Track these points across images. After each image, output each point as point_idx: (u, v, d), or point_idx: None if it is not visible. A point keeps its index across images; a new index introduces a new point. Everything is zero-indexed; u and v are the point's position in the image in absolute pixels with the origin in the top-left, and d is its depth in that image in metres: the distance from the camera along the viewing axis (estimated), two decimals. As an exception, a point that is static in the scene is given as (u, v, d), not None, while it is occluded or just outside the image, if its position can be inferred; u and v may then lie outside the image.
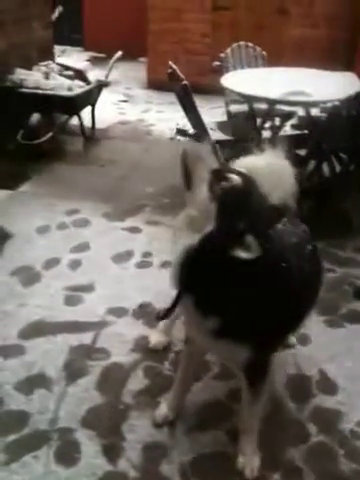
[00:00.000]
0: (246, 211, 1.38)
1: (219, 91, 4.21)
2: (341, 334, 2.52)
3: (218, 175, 1.41)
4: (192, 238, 1.41)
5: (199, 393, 2.12)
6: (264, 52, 4.61)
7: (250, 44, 4.59)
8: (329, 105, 3.51)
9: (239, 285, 1.46)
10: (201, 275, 1.45)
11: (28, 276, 2.84)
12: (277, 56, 5.45)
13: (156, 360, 2.30)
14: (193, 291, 1.51)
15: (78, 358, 2.30)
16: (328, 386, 2.20)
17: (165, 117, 5.77)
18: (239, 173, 1.43)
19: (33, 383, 2.15)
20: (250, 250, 1.34)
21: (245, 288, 1.47)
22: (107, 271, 2.93)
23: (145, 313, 2.59)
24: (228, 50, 4.49)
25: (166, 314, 1.61)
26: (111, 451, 1.89)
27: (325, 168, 3.61)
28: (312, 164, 3.51)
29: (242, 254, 1.34)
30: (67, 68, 4.91)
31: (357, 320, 2.61)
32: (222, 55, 4.45)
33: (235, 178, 1.41)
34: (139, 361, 2.29)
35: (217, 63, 4.45)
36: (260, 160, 1.66)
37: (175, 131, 5.22)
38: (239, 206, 1.38)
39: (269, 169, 1.59)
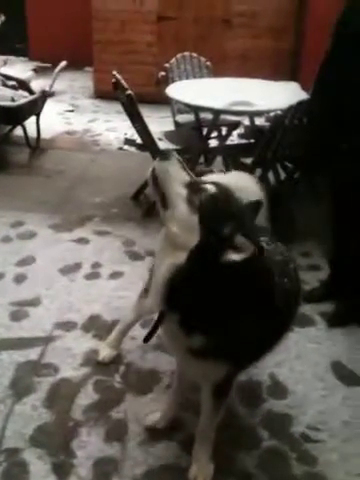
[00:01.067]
0: (229, 215, 1.37)
1: (167, 101, 4.23)
2: (291, 338, 2.53)
3: (194, 187, 1.40)
4: (177, 256, 1.37)
5: (150, 404, 2.09)
6: (209, 62, 4.67)
7: (194, 54, 4.64)
8: (272, 114, 3.58)
9: (227, 302, 1.42)
10: (189, 292, 1.40)
11: (-29, 292, 2.74)
12: (222, 66, 5.53)
13: (106, 374, 2.26)
14: (179, 309, 1.46)
15: (25, 375, 2.23)
16: (278, 390, 2.23)
17: (112, 126, 5.74)
18: (211, 182, 1.43)
19: (-23, 403, 2.07)
20: (243, 250, 1.31)
21: (232, 305, 1.44)
22: (54, 284, 2.86)
23: (94, 326, 2.55)
24: (173, 60, 4.52)
25: (149, 337, 1.56)
26: (61, 469, 1.83)
27: (271, 176, 3.70)
28: (258, 172, 3.57)
29: (235, 256, 1.31)
30: (10, 78, 4.80)
31: (306, 323, 2.65)
32: (167, 65, 4.47)
33: (210, 187, 1.40)
34: (89, 375, 2.24)
35: (162, 73, 4.46)
36: (224, 179, 1.65)
37: (123, 141, 5.21)
38: (221, 212, 1.37)
39: (234, 188, 1.58)
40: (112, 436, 1.96)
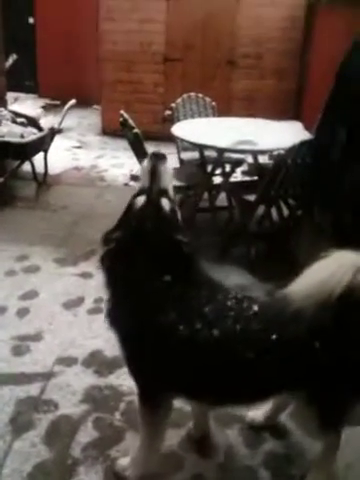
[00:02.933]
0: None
1: (172, 138, 4.31)
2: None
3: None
4: None
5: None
6: (214, 102, 4.78)
7: (200, 95, 4.75)
8: (275, 153, 3.65)
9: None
10: None
11: (-27, 325, 2.75)
12: (227, 106, 5.68)
13: (106, 411, 2.24)
14: None
15: (25, 411, 2.21)
16: (279, 430, 2.19)
17: (119, 163, 5.84)
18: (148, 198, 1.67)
19: (-24, 439, 2.05)
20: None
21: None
22: (57, 318, 2.87)
23: (95, 361, 2.54)
24: (179, 100, 4.63)
25: None
26: (58, 510, 1.81)
27: (274, 213, 3.73)
28: (262, 209, 3.61)
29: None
30: (20, 115, 4.93)
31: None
32: (173, 105, 4.58)
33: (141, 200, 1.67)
34: (88, 412, 2.22)
35: (168, 112, 4.58)
36: None
37: (129, 177, 5.30)
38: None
39: None
40: (111, 476, 1.93)
